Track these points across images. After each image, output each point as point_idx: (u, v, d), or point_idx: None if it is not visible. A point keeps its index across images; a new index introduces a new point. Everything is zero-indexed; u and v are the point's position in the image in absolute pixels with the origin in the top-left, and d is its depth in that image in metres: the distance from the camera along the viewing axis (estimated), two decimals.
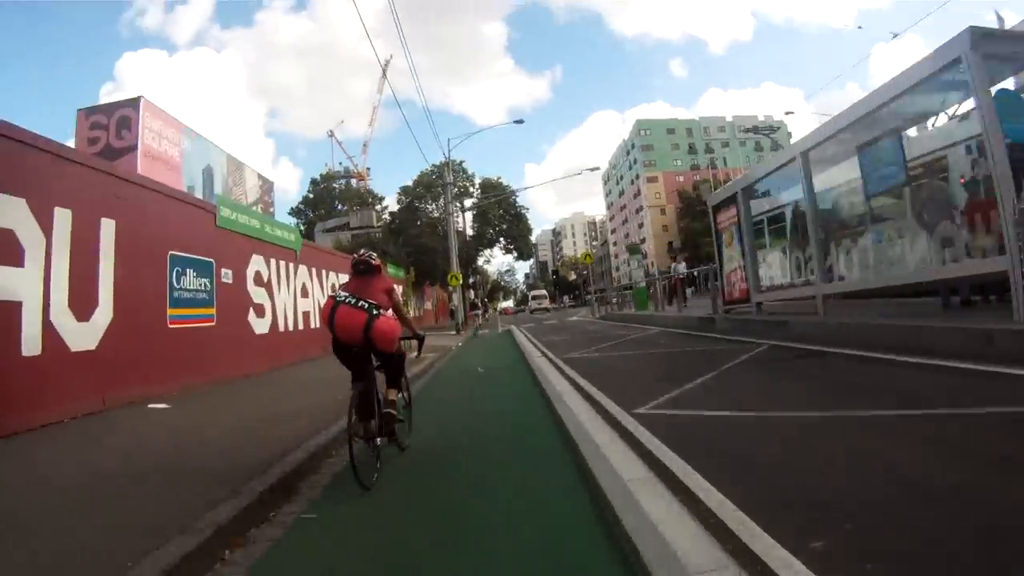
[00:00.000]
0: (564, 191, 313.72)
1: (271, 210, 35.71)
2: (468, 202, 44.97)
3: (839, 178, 11.23)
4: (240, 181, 32.49)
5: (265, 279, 15.32)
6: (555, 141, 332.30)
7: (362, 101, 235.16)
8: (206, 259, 12.40)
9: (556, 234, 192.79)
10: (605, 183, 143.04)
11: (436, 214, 42.61)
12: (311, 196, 74.96)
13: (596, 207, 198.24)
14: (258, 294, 14.81)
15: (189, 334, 11.49)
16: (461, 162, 45.81)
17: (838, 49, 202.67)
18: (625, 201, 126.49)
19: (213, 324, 12.43)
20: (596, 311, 33.93)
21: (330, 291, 18.98)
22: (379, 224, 52.21)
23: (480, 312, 44.50)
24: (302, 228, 67.13)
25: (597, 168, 39.02)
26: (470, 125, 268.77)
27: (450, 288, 30.52)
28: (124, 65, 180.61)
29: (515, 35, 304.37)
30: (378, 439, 5.10)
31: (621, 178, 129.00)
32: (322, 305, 5.51)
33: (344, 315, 4.87)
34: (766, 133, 28.80)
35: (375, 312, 4.89)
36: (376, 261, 5.43)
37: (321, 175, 77.45)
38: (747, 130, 27.02)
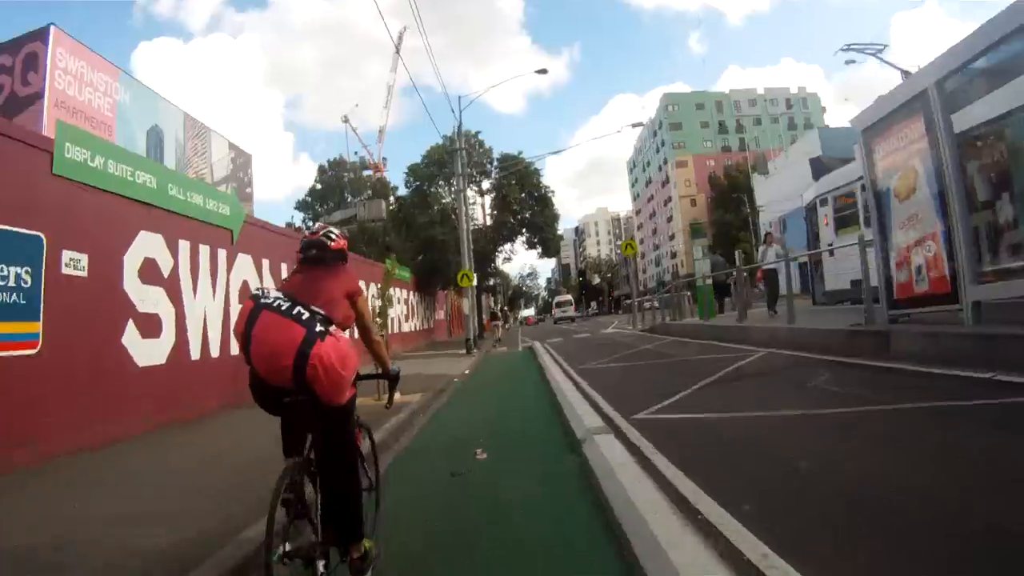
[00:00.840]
0: (586, 186, 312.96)
1: (248, 190, 29.93)
2: (486, 183, 39.61)
3: None
4: (203, 150, 26.51)
5: (166, 272, 10.11)
6: (575, 130, 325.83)
7: (378, 86, 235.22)
8: (22, 231, 7.23)
9: (579, 233, 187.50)
10: (631, 171, 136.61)
11: (448, 199, 37.03)
12: (319, 187, 69.83)
13: (619, 202, 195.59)
14: (148, 297, 9.56)
15: None
16: (477, 133, 39.80)
17: (857, 19, 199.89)
18: (652, 191, 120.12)
19: (35, 352, 7.24)
20: (640, 321, 27.91)
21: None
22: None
23: (500, 323, 40.63)
24: (309, 224, 61.87)
25: (641, 124, 33.46)
26: (487, 109, 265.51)
27: (462, 291, 25.04)
28: (140, 55, 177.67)
29: (531, 10, 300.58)
30: (320, 563, 2.89)
31: (648, 164, 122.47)
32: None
33: (268, 329, 2.85)
34: (873, 52, 22.38)
35: (320, 329, 2.83)
36: (338, 242, 3.43)
37: (329, 162, 72.12)
38: (844, 48, 20.86)
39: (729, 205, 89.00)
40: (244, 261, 12.72)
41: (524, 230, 39.65)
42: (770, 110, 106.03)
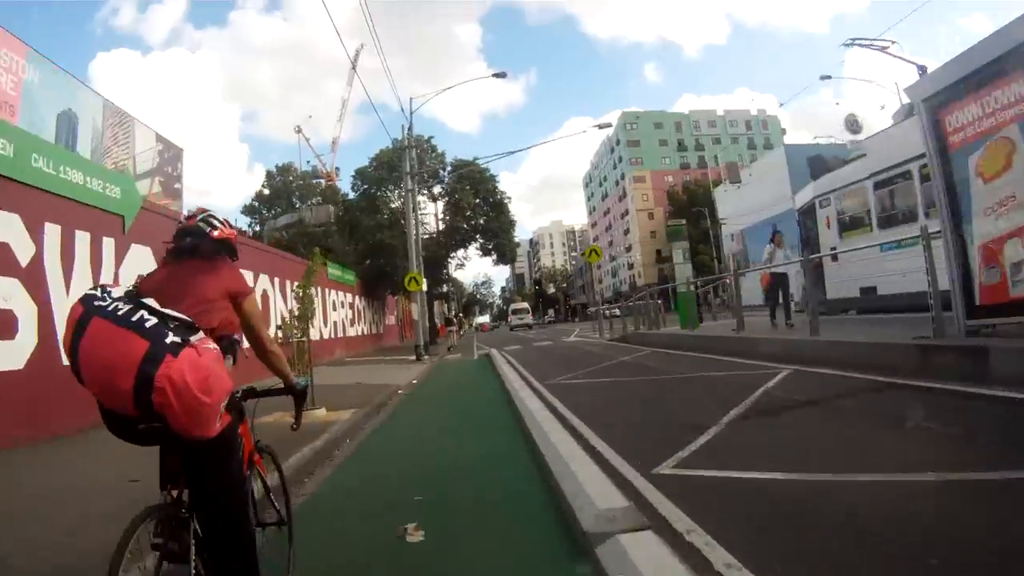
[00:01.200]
0: (539, 201, 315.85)
1: (177, 186, 26.75)
2: (438, 188, 37.59)
3: None
4: (125, 140, 23.49)
5: (24, 260, 8.04)
6: (530, 148, 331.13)
7: (334, 103, 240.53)
8: None
9: (533, 244, 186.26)
10: (587, 186, 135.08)
11: (397, 203, 34.84)
12: (266, 192, 66.79)
13: (573, 217, 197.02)
14: None
15: None
16: (429, 138, 37.83)
17: (811, 54, 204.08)
18: (609, 205, 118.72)
19: None
20: (607, 329, 26.05)
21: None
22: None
23: (455, 329, 41.05)
24: (256, 228, 59.18)
25: (609, 125, 31.75)
26: (443, 128, 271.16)
27: (410, 295, 23.04)
28: (98, 65, 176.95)
29: (488, 37, 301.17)
30: None
31: (604, 179, 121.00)
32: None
33: (98, 341, 2.16)
34: (880, 48, 20.22)
35: (173, 341, 2.15)
36: (222, 230, 2.79)
37: (277, 167, 69.11)
38: (848, 43, 18.55)
39: (688, 218, 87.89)
40: (141, 253, 10.45)
41: (478, 236, 37.58)
42: (730, 130, 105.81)
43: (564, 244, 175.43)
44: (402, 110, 25.61)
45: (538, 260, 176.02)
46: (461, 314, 75.15)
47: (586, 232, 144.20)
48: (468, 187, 35.40)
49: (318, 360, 20.21)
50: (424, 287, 25.67)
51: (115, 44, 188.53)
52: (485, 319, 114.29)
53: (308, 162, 77.35)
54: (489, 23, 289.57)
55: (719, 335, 13.62)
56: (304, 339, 9.34)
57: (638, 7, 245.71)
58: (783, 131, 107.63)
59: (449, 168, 36.73)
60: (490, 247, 37.62)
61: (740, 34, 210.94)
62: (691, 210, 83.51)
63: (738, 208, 60.74)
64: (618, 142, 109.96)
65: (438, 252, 36.16)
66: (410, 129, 26.42)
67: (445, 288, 46.49)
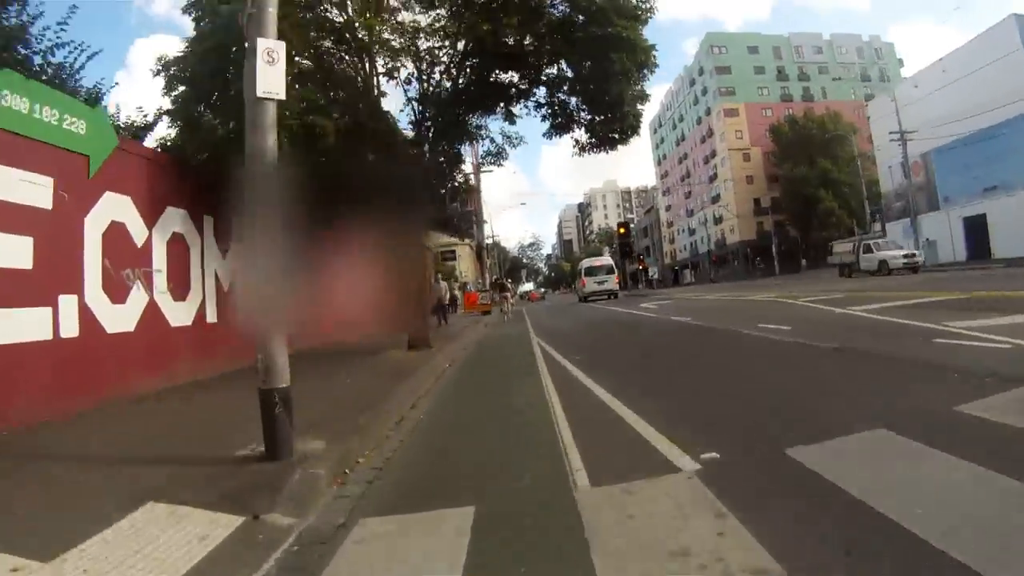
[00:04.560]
0: (586, 168, 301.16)
1: None
2: None
3: None
4: None
5: None
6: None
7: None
8: None
9: (583, 208, 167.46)
10: (655, 131, 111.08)
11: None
12: None
13: (627, 180, 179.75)
14: None
15: None
16: None
17: (850, 26, 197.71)
18: (686, 149, 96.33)
19: None
20: None
21: None
22: None
23: (508, 296, 31.71)
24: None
25: None
26: None
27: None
28: (136, 52, 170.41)
29: None
30: None
31: (680, 119, 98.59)
32: None
33: None
34: None
35: None
36: None
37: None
38: None
39: (800, 157, 66.49)
40: None
41: (544, 57, 13.33)
42: (838, 58, 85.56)
43: (619, 206, 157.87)
44: None
45: (590, 224, 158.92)
46: (509, 279, 59.24)
47: (654, 189, 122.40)
48: None
49: None
50: None
51: (152, 30, 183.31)
52: (530, 286, 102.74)
53: None
54: None
55: None
56: None
57: None
58: (900, 61, 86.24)
59: None
60: (578, 100, 13.83)
61: (783, 8, 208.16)
62: (822, 141, 61.90)
63: (925, 118, 39.85)
64: (701, 71, 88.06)
65: (445, 118, 13.97)
66: None
67: (473, 240, 26.55)
